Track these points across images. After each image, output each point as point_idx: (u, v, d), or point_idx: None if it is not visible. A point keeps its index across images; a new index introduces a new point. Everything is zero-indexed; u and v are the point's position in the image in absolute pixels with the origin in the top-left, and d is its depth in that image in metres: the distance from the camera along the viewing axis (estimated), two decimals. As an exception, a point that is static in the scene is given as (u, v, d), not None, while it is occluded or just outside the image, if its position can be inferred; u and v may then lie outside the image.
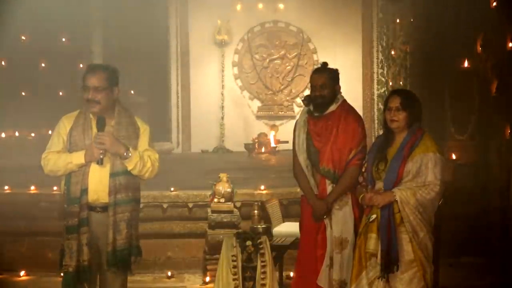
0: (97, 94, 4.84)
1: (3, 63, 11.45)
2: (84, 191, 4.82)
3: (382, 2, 14.84)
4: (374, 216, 4.98)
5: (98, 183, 4.84)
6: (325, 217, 5.47)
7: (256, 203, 7.35)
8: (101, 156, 4.79)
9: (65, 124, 4.94)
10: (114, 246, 4.84)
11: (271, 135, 15.35)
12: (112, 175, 4.84)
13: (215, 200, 7.42)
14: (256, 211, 7.14)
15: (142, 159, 4.91)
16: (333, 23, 15.82)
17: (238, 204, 7.85)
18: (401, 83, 12.95)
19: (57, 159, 4.85)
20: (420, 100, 5.21)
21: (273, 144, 15.02)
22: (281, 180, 9.00)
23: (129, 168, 4.87)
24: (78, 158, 4.81)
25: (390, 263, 4.88)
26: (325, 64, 5.71)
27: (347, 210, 5.45)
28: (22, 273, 7.84)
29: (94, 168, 4.84)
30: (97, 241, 4.87)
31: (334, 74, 5.63)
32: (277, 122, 15.95)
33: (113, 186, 4.83)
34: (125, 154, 4.83)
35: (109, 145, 4.79)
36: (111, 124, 4.90)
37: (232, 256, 6.24)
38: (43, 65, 12.63)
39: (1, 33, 10.05)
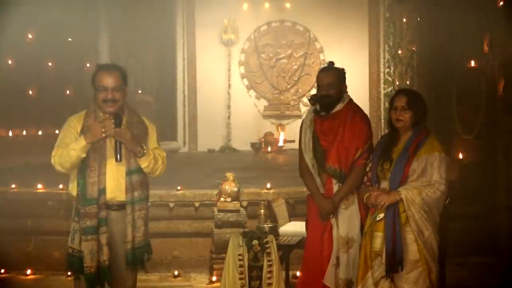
0: (116, 93, 4.84)
1: (10, 62, 11.46)
2: (102, 190, 4.80)
3: (389, 2, 14.83)
4: (381, 215, 4.97)
5: (115, 182, 4.84)
6: (331, 216, 5.47)
7: (262, 202, 7.35)
8: (103, 130, 4.75)
9: (75, 124, 4.92)
10: (133, 244, 4.85)
11: (281, 135, 15.38)
12: (128, 173, 4.85)
13: (222, 199, 7.43)
14: (262, 210, 7.14)
15: (154, 157, 4.93)
16: (339, 23, 15.84)
17: (244, 203, 7.85)
18: (407, 82, 12.94)
19: (62, 151, 4.81)
20: (425, 100, 5.21)
21: (281, 144, 15.05)
22: (288, 179, 9.00)
23: (143, 166, 4.88)
24: (79, 143, 4.76)
25: (395, 263, 4.88)
26: (331, 63, 5.71)
27: (354, 209, 5.45)
28: (29, 272, 7.85)
29: (110, 167, 4.83)
30: (113, 239, 4.88)
31: (340, 74, 5.62)
32: (284, 122, 15.96)
33: (129, 184, 4.84)
34: (141, 152, 4.84)
35: (128, 141, 4.79)
36: (123, 124, 4.90)
37: (239, 255, 6.24)
38: (49, 64, 12.65)
39: (8, 32, 10.07)
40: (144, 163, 4.88)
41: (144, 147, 4.89)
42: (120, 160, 4.82)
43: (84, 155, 4.78)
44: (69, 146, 4.79)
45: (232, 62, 16.11)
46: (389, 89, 14.75)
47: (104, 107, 4.87)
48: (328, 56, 15.46)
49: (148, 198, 5.04)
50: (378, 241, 4.97)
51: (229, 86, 16.03)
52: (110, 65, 5.10)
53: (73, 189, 4.92)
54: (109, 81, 4.85)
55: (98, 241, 4.78)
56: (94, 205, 4.78)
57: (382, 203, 4.95)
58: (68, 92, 13.09)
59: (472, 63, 9.48)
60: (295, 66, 16.22)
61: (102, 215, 4.80)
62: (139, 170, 4.89)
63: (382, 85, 15.57)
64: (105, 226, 4.80)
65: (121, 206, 4.87)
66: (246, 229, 6.89)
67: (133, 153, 4.85)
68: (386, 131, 5.42)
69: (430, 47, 11.10)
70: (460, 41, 9.65)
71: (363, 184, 5.34)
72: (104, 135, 4.77)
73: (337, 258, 5.44)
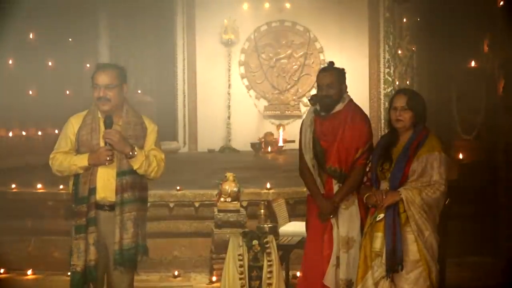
0: (108, 92, 4.86)
1: (10, 62, 11.46)
2: (93, 190, 4.82)
3: (388, 2, 14.83)
4: (382, 215, 4.97)
5: (106, 182, 4.85)
6: (331, 216, 5.46)
7: (262, 202, 7.35)
8: (108, 158, 4.79)
9: (73, 124, 4.95)
10: (121, 245, 4.83)
11: (280, 133, 15.37)
12: (119, 174, 4.84)
13: (222, 199, 7.43)
14: (262, 211, 7.14)
15: (148, 158, 4.91)
16: (339, 23, 15.84)
17: (244, 203, 7.85)
18: (407, 82, 12.94)
19: (63, 160, 4.87)
20: (425, 100, 5.21)
21: (281, 143, 15.05)
22: (288, 179, 9.00)
23: (135, 167, 4.87)
24: (82, 161, 4.82)
25: (395, 263, 4.88)
26: (331, 63, 5.70)
27: (354, 209, 5.44)
28: (29, 272, 7.85)
29: (102, 167, 4.84)
30: (104, 240, 4.88)
31: (340, 74, 5.61)
32: (284, 122, 15.96)
33: (119, 185, 4.84)
34: (130, 153, 4.84)
35: (116, 143, 4.79)
36: (119, 123, 4.90)
37: (239, 255, 6.24)
38: (49, 64, 12.65)
39: (8, 31, 10.07)
40: (135, 165, 4.87)
41: (136, 148, 4.88)
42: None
43: (82, 171, 4.84)
44: (72, 160, 4.85)
45: (232, 62, 16.10)
46: (389, 89, 14.75)
47: (98, 105, 4.90)
48: (328, 56, 15.45)
49: (143, 200, 5.03)
50: (378, 241, 4.96)
51: (229, 86, 16.02)
52: (107, 64, 5.16)
53: (71, 188, 4.95)
54: (102, 79, 4.88)
55: (86, 240, 4.79)
56: (84, 205, 4.81)
57: (382, 203, 4.95)
58: (68, 92, 13.09)
59: (472, 63, 9.48)
60: (295, 66, 16.22)
61: (91, 215, 4.81)
62: (131, 171, 4.88)
63: (382, 85, 15.57)
64: (93, 226, 4.81)
65: (111, 207, 4.87)
66: (246, 229, 6.89)
67: (124, 154, 4.86)
68: (386, 131, 5.42)
69: (430, 47, 11.11)
70: (460, 41, 9.65)
71: (363, 184, 5.34)
72: (107, 163, 4.81)
73: (337, 258, 5.43)
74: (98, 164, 4.83)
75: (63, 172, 4.93)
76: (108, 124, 4.83)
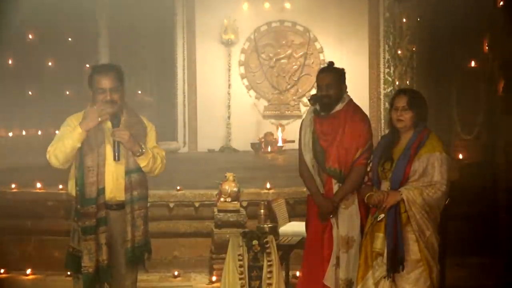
0: (114, 94, 4.85)
1: (10, 62, 11.48)
2: (101, 190, 4.81)
3: (388, 2, 14.83)
4: (382, 215, 4.97)
5: (114, 181, 4.85)
6: (331, 216, 5.46)
7: (262, 202, 7.35)
8: (100, 119, 4.73)
9: (74, 123, 4.92)
10: (133, 243, 4.86)
11: (279, 133, 15.36)
12: (127, 172, 4.86)
13: (222, 199, 7.43)
14: (262, 211, 7.14)
15: (153, 156, 4.94)
16: (339, 23, 15.82)
17: (244, 204, 7.85)
18: (407, 82, 12.94)
19: (59, 145, 4.76)
20: (426, 100, 5.20)
21: (280, 144, 15.05)
22: (288, 179, 9.00)
23: (142, 165, 4.89)
24: (74, 131, 4.73)
25: (396, 263, 4.88)
26: (331, 63, 5.70)
27: (354, 209, 5.44)
28: (29, 271, 7.85)
29: (109, 166, 4.84)
30: (112, 239, 4.88)
31: (340, 74, 5.62)
32: (284, 122, 15.94)
33: (129, 183, 4.85)
34: (140, 150, 4.85)
35: (127, 141, 4.80)
36: (121, 123, 4.91)
37: (239, 255, 6.24)
38: (49, 64, 12.67)
39: (8, 32, 10.07)
40: (143, 162, 4.89)
41: (143, 146, 4.89)
42: (119, 159, 4.83)
43: (79, 145, 4.74)
44: (66, 138, 4.76)
45: (232, 62, 16.07)
46: (389, 89, 14.75)
47: (102, 107, 4.87)
48: (328, 56, 15.44)
49: (147, 197, 5.06)
50: (379, 241, 4.96)
51: (229, 86, 16.00)
52: (105, 66, 5.13)
53: (72, 188, 4.93)
54: (106, 82, 4.85)
55: (97, 241, 4.78)
56: (93, 205, 4.78)
57: (384, 205, 4.94)
58: (68, 92, 13.11)
59: (472, 63, 9.48)
60: (295, 66, 16.20)
61: (101, 215, 4.80)
62: (138, 169, 4.90)
63: (382, 85, 15.56)
64: (104, 226, 4.81)
65: (120, 206, 4.88)
66: (246, 229, 6.89)
67: (132, 152, 4.86)
68: (386, 131, 5.41)
69: (430, 47, 11.11)
70: (460, 41, 9.65)
71: (364, 183, 5.34)
72: (100, 119, 4.75)
73: (337, 258, 5.43)
74: (92, 126, 4.74)
75: (59, 155, 4.77)
76: (116, 124, 4.84)
